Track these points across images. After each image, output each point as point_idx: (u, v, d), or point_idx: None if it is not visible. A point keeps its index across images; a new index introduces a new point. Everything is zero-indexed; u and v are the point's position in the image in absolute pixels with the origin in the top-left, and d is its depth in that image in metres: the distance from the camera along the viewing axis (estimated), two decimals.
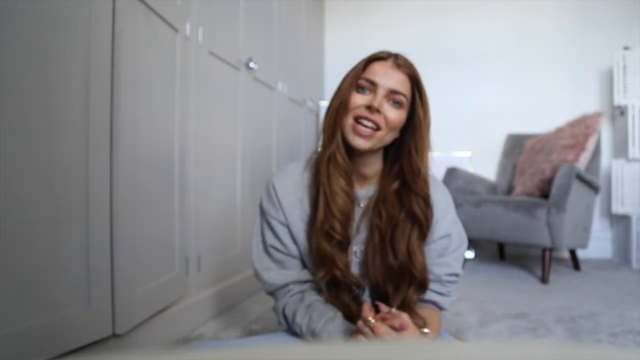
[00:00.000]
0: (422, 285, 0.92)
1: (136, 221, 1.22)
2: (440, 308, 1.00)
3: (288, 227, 0.98)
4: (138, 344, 1.22)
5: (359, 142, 0.90)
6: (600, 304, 1.86)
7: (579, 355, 0.29)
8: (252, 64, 1.96)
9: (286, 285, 0.99)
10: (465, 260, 2.85)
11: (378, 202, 0.95)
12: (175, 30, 1.44)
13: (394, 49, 0.98)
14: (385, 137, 0.92)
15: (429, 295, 0.96)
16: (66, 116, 1.00)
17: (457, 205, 2.52)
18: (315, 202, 0.95)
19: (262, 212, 1.01)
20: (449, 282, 0.99)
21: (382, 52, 0.94)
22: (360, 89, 0.91)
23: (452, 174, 2.77)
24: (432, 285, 0.96)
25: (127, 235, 1.17)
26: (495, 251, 3.11)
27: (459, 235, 1.02)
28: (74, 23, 1.01)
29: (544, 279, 2.26)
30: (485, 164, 3.23)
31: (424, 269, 0.92)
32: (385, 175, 0.97)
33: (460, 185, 2.76)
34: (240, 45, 1.93)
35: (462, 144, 3.28)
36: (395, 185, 0.94)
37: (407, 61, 0.94)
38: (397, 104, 0.91)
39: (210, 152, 1.68)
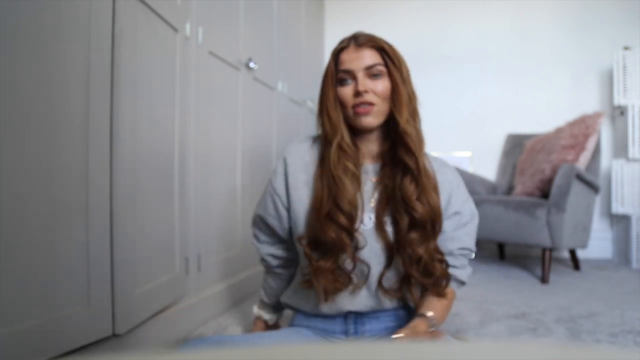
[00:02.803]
0: (423, 227, 0.98)
1: (136, 221, 1.22)
2: (458, 281, 1.09)
3: (288, 197, 1.05)
4: (138, 344, 1.22)
5: (366, 121, 0.98)
6: (600, 304, 1.86)
7: (579, 355, 0.29)
8: (252, 64, 1.96)
9: (266, 261, 1.20)
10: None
11: (383, 169, 1.03)
12: (175, 30, 1.44)
13: None
14: (382, 107, 0.99)
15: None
16: (66, 116, 1.00)
17: None
18: (320, 184, 1.00)
19: (269, 181, 1.11)
20: (461, 255, 1.07)
21: (342, 41, 1.02)
22: (342, 82, 0.99)
23: None
24: (446, 259, 1.03)
25: (127, 235, 1.17)
26: (495, 251, 3.11)
27: (470, 212, 1.09)
28: (74, 23, 1.01)
29: (544, 279, 2.26)
30: (485, 164, 3.23)
31: (426, 212, 0.98)
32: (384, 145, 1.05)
33: None
34: (240, 45, 1.93)
35: (462, 144, 3.28)
36: (387, 144, 1.02)
37: (366, 36, 1.01)
38: (377, 75, 0.99)
39: (210, 152, 1.68)
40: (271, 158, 2.30)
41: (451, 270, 1.05)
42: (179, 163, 1.48)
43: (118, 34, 1.13)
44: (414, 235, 0.98)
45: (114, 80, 1.13)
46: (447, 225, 1.05)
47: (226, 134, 1.83)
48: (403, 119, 0.97)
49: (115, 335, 1.14)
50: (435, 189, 1.00)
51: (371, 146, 1.04)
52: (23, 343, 0.88)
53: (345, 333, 1.07)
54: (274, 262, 1.19)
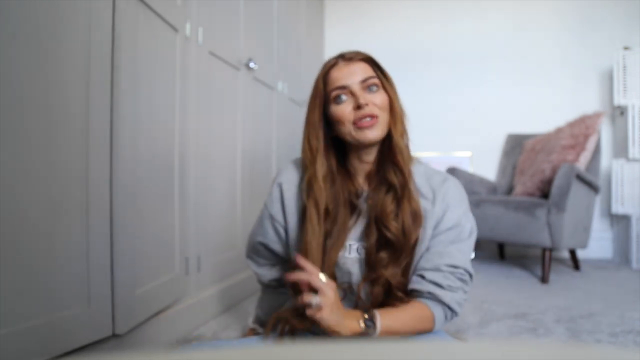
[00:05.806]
0: (394, 248, 0.92)
1: (136, 221, 1.22)
2: (442, 304, 0.93)
3: (285, 222, 1.04)
4: (138, 344, 1.22)
5: (370, 134, 0.93)
6: (600, 304, 1.86)
7: (579, 355, 0.29)
8: (252, 64, 1.96)
9: (269, 286, 1.19)
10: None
11: (372, 190, 0.98)
12: (175, 30, 1.44)
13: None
14: (384, 118, 0.95)
15: (425, 285, 0.92)
16: (66, 116, 1.00)
17: None
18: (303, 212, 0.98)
19: (265, 207, 1.08)
20: (450, 272, 0.93)
21: (329, 61, 0.99)
22: (337, 100, 0.95)
23: (452, 174, 2.76)
24: (429, 275, 0.92)
25: (127, 236, 1.17)
26: (495, 251, 3.11)
27: (469, 229, 0.98)
28: (74, 23, 1.01)
29: (544, 279, 2.26)
30: (485, 164, 3.23)
31: (399, 233, 0.92)
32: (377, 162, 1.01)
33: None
34: (240, 45, 1.93)
35: (462, 144, 3.28)
36: (379, 160, 0.98)
37: (353, 51, 0.99)
38: (374, 88, 0.95)
39: (210, 152, 1.68)
40: (271, 158, 2.30)
41: (433, 290, 0.91)
42: (179, 163, 1.48)
43: (118, 34, 1.13)
44: (383, 255, 0.92)
45: (114, 80, 1.13)
46: (440, 240, 0.95)
47: (226, 134, 1.83)
48: (398, 133, 0.94)
49: (115, 335, 1.14)
50: (413, 213, 0.93)
51: (366, 167, 0.99)
52: (23, 343, 0.88)
53: None
54: (275, 284, 1.18)
